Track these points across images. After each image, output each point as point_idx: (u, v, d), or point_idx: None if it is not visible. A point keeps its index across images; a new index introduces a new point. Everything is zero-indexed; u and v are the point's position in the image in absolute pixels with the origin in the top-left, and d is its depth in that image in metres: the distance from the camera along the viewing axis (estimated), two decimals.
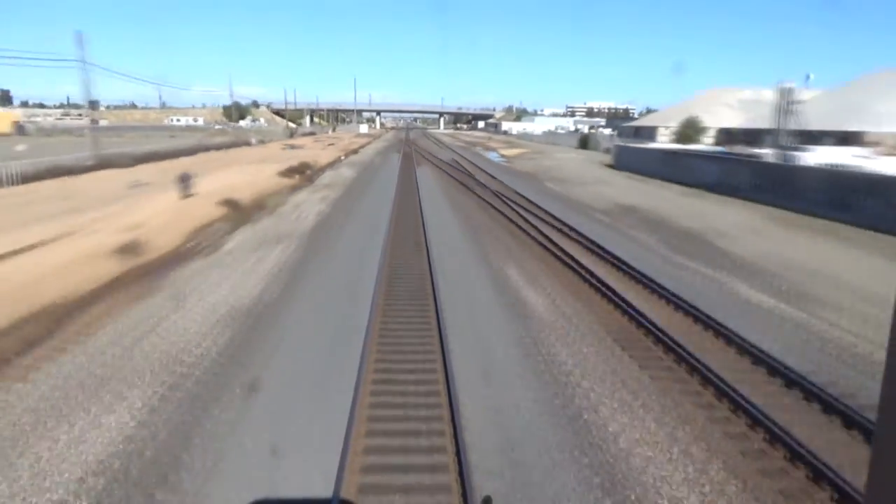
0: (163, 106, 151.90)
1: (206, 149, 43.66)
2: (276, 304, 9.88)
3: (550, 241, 14.72)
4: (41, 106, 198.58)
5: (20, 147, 40.48)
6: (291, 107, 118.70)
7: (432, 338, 8.12)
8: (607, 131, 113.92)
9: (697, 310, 9.39)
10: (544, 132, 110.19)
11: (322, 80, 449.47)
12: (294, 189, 25.57)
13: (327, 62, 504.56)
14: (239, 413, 6.16)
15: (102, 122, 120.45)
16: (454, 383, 6.54)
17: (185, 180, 20.62)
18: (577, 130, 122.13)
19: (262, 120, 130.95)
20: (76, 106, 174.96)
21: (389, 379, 6.88)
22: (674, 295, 10.16)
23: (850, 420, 6.02)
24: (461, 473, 4.91)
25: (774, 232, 17.70)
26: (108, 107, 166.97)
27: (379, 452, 5.37)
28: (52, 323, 9.00)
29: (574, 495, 4.86)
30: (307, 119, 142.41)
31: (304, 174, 31.58)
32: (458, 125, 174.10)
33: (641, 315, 8.99)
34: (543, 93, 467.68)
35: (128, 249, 13.48)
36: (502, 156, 51.91)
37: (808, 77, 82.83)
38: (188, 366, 7.30)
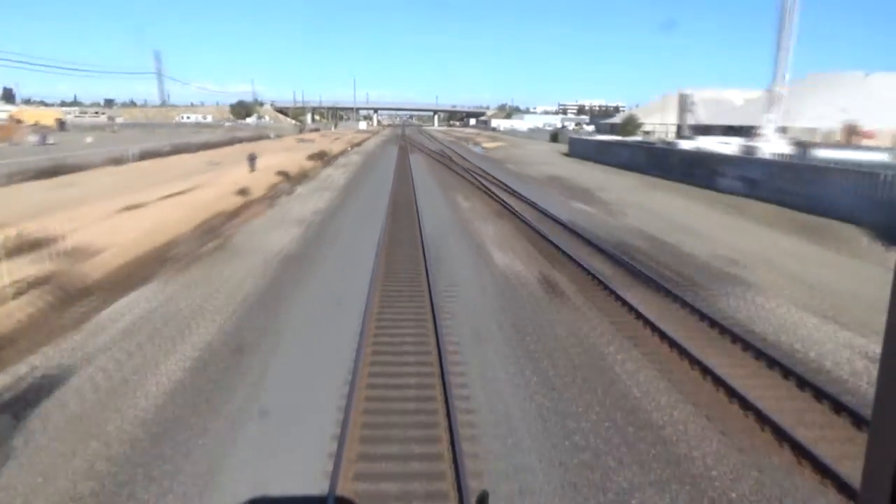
0: (163, 103, 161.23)
1: (240, 141, 53.59)
2: (337, 209, 19.95)
3: (489, 189, 24.82)
4: (42, 104, 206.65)
5: (88, 139, 50.18)
6: (299, 104, 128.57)
7: (413, 214, 18.23)
8: (590, 128, 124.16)
9: (548, 212, 19.45)
10: (529, 129, 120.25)
11: (319, 78, 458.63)
12: (322, 167, 35.59)
13: (325, 60, 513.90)
14: (337, 229, 16.23)
15: (118, 120, 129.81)
16: (421, 222, 16.60)
17: (252, 159, 30.56)
18: (563, 127, 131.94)
19: (266, 117, 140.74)
20: (79, 104, 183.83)
21: (399, 209, 16.94)
22: (542, 208, 20.23)
23: (586, 240, 16.12)
24: (420, 229, 14.97)
25: (639, 189, 27.80)
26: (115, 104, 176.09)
27: (396, 228, 15.41)
28: (231, 215, 19.01)
29: (457, 238, 14.91)
30: (308, 116, 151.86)
31: (323, 159, 41.53)
32: (452, 122, 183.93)
33: (517, 211, 19.09)
34: (538, 91, 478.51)
35: (241, 192, 23.46)
36: (483, 147, 61.94)
37: (784, 77, 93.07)
38: (310, 221, 17.38)
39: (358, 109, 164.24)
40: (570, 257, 12.87)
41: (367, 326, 8.42)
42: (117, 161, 30.03)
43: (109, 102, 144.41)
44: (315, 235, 15.44)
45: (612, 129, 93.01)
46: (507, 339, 8.34)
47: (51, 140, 46.64)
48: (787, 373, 7.09)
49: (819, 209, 19.58)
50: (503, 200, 21.46)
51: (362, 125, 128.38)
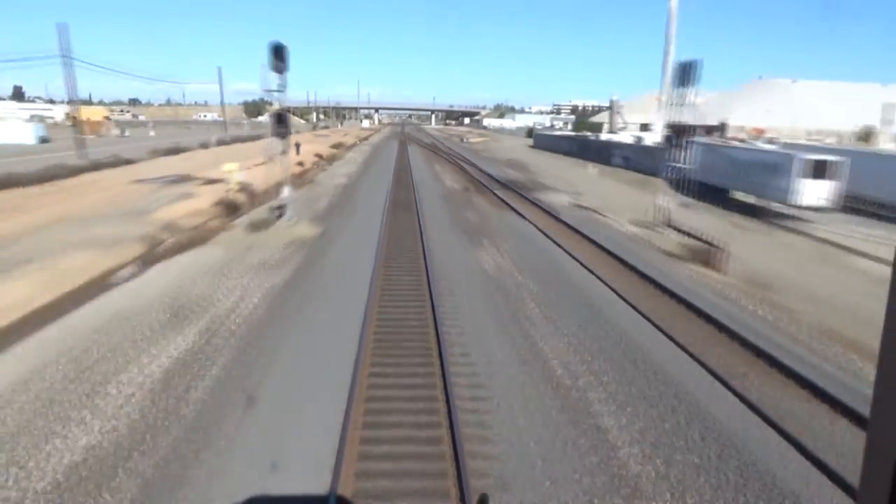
0: (168, 102, 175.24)
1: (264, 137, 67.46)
2: (363, 172, 33.87)
3: (458, 163, 38.69)
4: (51, 102, 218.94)
5: (151, 133, 63.92)
6: (311, 104, 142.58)
7: (408, 172, 32.13)
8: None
9: (487, 172, 33.33)
10: (517, 127, 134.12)
11: (320, 77, 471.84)
12: (344, 152, 49.45)
13: (326, 60, 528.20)
14: (365, 178, 30.13)
15: (141, 118, 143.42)
16: (412, 174, 30.45)
17: (297, 145, 44.29)
18: (551, 126, 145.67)
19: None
20: (90, 102, 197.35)
21: (400, 172, 30.79)
22: (484, 170, 34.11)
23: (497, 181, 30.02)
24: (411, 176, 28.83)
25: (560, 165, 41.61)
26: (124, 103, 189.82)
27: (398, 178, 29.27)
28: (302, 174, 32.88)
29: (431, 179, 28.73)
30: (314, 115, 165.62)
31: (342, 147, 55.35)
32: (448, 122, 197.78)
33: (468, 172, 32.98)
34: (537, 91, 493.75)
35: (300, 164, 37.22)
36: (468, 141, 75.78)
37: (759, 77, 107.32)
38: (349, 175, 31.30)
39: (359, 109, 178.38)
40: (482, 184, 26.71)
41: (389, 199, 22.21)
42: (205, 146, 43.80)
43: (134, 101, 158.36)
44: (354, 180, 29.29)
45: (591, 126, 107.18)
46: (442, 200, 22.21)
47: (126, 133, 60.38)
48: (537, 205, 20.96)
49: (650, 172, 33.35)
50: (463, 168, 35.34)
51: (365, 123, 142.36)
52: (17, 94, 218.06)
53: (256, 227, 16.97)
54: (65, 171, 26.68)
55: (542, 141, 60.28)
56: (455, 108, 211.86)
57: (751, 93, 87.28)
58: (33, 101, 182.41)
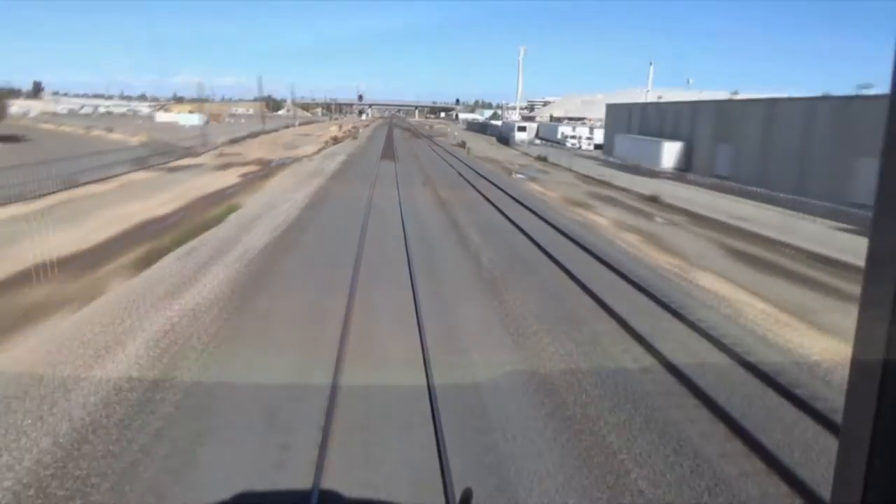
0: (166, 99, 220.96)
1: (309, 123, 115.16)
2: (373, 137, 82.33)
3: (415, 134, 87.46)
4: (65, 95, 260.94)
5: (243, 121, 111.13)
6: (317, 101, 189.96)
7: (392, 138, 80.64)
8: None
9: (425, 135, 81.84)
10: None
11: (313, 75, 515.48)
12: (361, 130, 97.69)
13: (325, 60, 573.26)
14: (375, 136, 78.50)
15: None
16: (393, 138, 78.76)
17: (340, 126, 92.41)
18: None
19: (292, 111, 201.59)
20: (101, 95, 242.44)
21: (388, 138, 79.02)
22: (421, 132, 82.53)
23: (423, 136, 78.40)
24: (392, 138, 77.10)
25: (467, 137, 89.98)
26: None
27: (385, 148, 77.50)
28: (348, 136, 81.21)
29: (401, 139, 76.86)
30: (319, 110, 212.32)
31: (356, 129, 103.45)
32: (428, 116, 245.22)
33: (418, 135, 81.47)
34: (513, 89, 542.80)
35: (346, 133, 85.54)
36: (434, 128, 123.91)
37: (688, 81, 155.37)
38: (371, 133, 79.69)
39: (354, 105, 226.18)
40: (418, 138, 75.13)
41: (385, 137, 70.31)
42: (293, 125, 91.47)
43: (180, 99, 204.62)
44: (372, 136, 77.64)
45: (533, 118, 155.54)
46: (403, 139, 70.67)
47: (232, 121, 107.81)
48: (432, 140, 69.40)
49: (494, 136, 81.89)
50: (414, 134, 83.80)
51: (363, 116, 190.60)
52: (37, 89, 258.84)
53: (352, 139, 65.52)
54: (266, 131, 74.13)
55: (471, 126, 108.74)
56: (437, 105, 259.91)
57: (620, 96, 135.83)
58: (61, 95, 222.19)
